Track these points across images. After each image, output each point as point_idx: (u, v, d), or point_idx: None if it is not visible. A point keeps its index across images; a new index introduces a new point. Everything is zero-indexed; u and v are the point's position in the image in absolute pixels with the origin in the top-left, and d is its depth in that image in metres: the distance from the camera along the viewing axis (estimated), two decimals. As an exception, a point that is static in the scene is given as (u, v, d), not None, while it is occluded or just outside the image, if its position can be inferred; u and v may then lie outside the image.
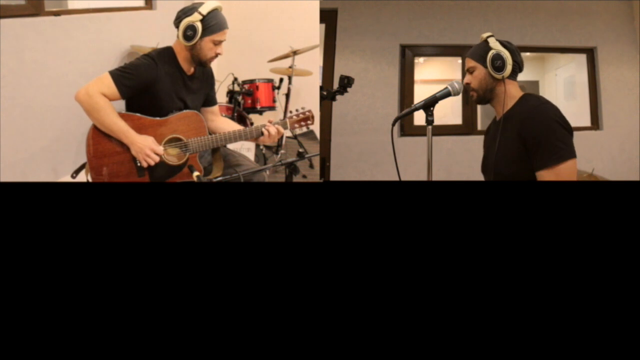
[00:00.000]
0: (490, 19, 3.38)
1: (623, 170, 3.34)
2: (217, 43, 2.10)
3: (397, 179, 1.73)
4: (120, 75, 1.99)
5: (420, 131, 3.28)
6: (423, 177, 1.68)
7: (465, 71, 1.83)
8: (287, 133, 3.76)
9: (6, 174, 2.50)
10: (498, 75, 1.73)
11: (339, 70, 3.30)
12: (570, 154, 1.59)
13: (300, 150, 3.63)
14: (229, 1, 2.36)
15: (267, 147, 3.82)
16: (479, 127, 3.50)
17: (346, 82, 2.33)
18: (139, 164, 2.05)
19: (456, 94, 1.71)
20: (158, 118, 2.07)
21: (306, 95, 4.09)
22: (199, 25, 2.04)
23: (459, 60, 3.56)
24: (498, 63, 1.72)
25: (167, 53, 2.13)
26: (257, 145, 3.43)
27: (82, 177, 2.12)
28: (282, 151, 3.69)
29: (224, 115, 3.29)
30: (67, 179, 2.22)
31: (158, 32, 3.58)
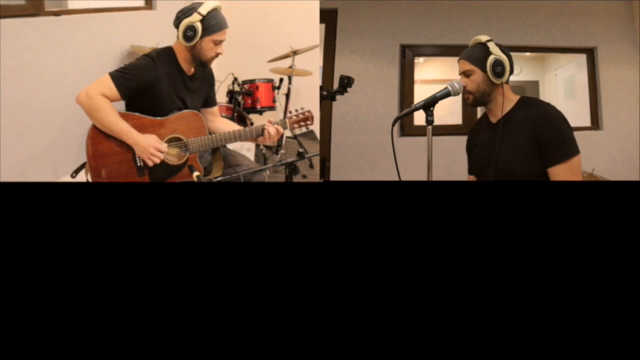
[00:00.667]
0: (490, 19, 3.38)
1: (623, 170, 3.34)
2: (218, 43, 2.10)
3: (397, 179, 1.73)
4: (119, 76, 2.00)
5: (420, 131, 3.28)
6: (423, 177, 1.68)
7: (460, 73, 1.83)
8: (287, 133, 3.78)
9: (6, 174, 2.50)
10: (498, 81, 1.76)
11: (339, 70, 3.30)
12: (577, 148, 1.69)
13: (300, 150, 3.63)
14: (229, 1, 2.36)
15: (267, 147, 3.82)
16: (479, 127, 3.50)
17: (346, 82, 2.33)
18: (139, 164, 2.05)
19: (456, 94, 1.71)
20: (158, 118, 2.07)
21: (306, 95, 4.09)
22: (198, 26, 2.04)
23: (459, 60, 3.55)
24: (499, 69, 1.75)
25: (167, 53, 2.13)
26: (257, 145, 3.44)
27: (82, 176, 2.12)
28: (282, 151, 3.69)
29: (223, 115, 3.30)
30: (67, 179, 2.22)
31: (158, 32, 3.57)
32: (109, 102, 1.98)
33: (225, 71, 3.55)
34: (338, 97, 2.39)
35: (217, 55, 2.13)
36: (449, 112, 3.56)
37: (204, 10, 2.05)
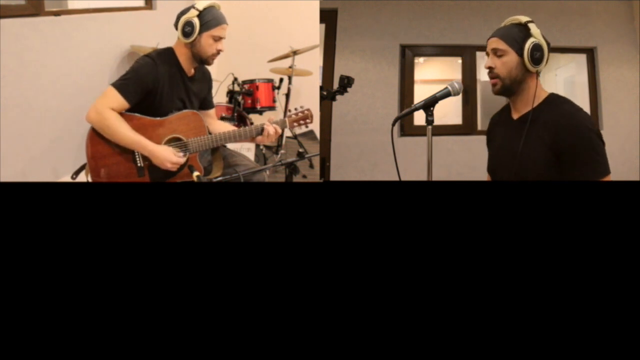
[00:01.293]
0: (491, 19, 3.38)
1: (623, 170, 3.34)
2: (217, 39, 2.10)
3: (397, 179, 1.72)
4: (123, 85, 2.00)
5: (420, 131, 3.28)
6: (423, 177, 1.68)
7: (489, 52, 1.64)
8: (287, 133, 3.79)
9: (6, 174, 2.50)
10: (534, 69, 1.56)
11: (339, 70, 3.30)
12: (607, 169, 1.49)
13: (300, 150, 3.63)
14: (229, 1, 2.36)
15: (267, 147, 3.82)
16: (479, 127, 3.50)
17: (346, 82, 2.33)
18: (139, 164, 2.05)
19: (456, 94, 1.66)
20: (158, 118, 2.07)
21: (306, 95, 4.09)
22: (196, 21, 2.05)
23: (459, 60, 3.56)
24: (537, 55, 1.54)
25: (167, 53, 2.13)
26: (257, 145, 3.44)
27: (82, 178, 2.12)
28: (282, 151, 3.69)
29: (223, 115, 3.30)
30: (67, 179, 2.22)
31: (158, 32, 3.58)
32: (118, 116, 1.98)
33: (225, 71, 3.55)
34: (338, 97, 2.39)
35: (218, 52, 2.13)
36: (449, 112, 3.56)
37: (200, 5, 2.07)
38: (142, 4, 3.77)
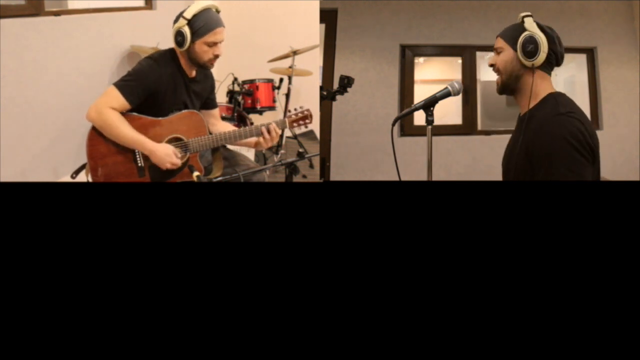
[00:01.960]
0: (491, 19, 3.38)
1: (623, 170, 3.34)
2: (211, 44, 2.07)
3: (397, 179, 1.72)
4: (125, 85, 1.99)
5: (420, 131, 3.28)
6: (423, 177, 1.68)
7: (493, 50, 1.63)
8: (287, 133, 3.79)
9: (6, 174, 2.50)
10: (527, 63, 1.51)
11: (339, 70, 3.30)
12: (578, 178, 1.35)
13: (300, 150, 3.61)
14: (229, 1, 2.38)
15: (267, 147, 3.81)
16: (479, 127, 3.50)
17: (346, 82, 2.33)
18: (139, 164, 2.05)
19: (456, 94, 1.66)
20: (158, 118, 2.07)
21: (306, 95, 4.09)
22: (186, 30, 2.02)
23: (459, 60, 3.56)
24: (530, 47, 1.50)
25: (168, 54, 2.13)
26: (258, 144, 3.44)
27: (82, 177, 2.12)
28: (282, 151, 3.70)
29: (223, 115, 3.30)
30: (68, 179, 2.22)
31: (158, 32, 3.57)
32: (118, 115, 1.97)
33: (225, 71, 3.55)
34: (338, 97, 2.39)
35: (215, 57, 2.10)
36: (449, 112, 3.56)
37: (188, 14, 2.01)
38: (142, 4, 3.77)
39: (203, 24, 2.03)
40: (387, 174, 3.23)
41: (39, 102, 2.72)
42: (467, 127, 3.49)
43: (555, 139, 1.37)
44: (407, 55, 3.48)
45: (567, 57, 3.82)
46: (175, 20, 2.07)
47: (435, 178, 1.66)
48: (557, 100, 1.50)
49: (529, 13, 1.56)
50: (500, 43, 1.60)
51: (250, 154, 3.27)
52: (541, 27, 1.54)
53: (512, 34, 1.57)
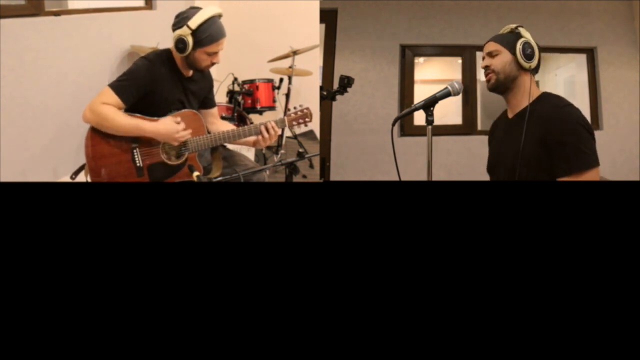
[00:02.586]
0: (490, 19, 3.38)
1: (623, 170, 3.34)
2: (211, 54, 2.07)
3: (397, 179, 1.72)
4: (119, 85, 1.99)
5: (420, 131, 3.28)
6: (423, 177, 1.68)
7: (485, 55, 1.73)
8: (287, 133, 3.79)
9: (6, 174, 2.50)
10: (526, 64, 1.65)
11: (339, 70, 3.30)
12: (595, 161, 1.53)
13: (300, 150, 3.61)
14: (229, 1, 2.38)
15: (267, 147, 3.81)
16: (479, 127, 3.50)
17: (346, 82, 2.33)
18: (138, 164, 2.05)
19: (456, 94, 1.67)
20: (156, 118, 2.07)
21: (306, 95, 4.09)
22: (189, 39, 2.01)
23: (459, 60, 3.56)
24: (529, 51, 1.65)
25: (165, 55, 2.13)
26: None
27: (82, 178, 2.12)
28: (282, 151, 3.70)
29: (223, 115, 3.30)
30: (67, 179, 2.22)
31: (158, 32, 3.57)
32: (112, 107, 1.96)
33: (225, 71, 3.55)
34: (338, 97, 2.38)
35: (212, 64, 2.10)
36: (449, 112, 3.56)
37: (193, 24, 1.99)
38: (142, 4, 3.77)
39: (207, 34, 2.02)
40: (387, 174, 3.22)
41: (39, 102, 2.72)
42: (467, 127, 3.49)
43: (572, 125, 1.55)
44: (407, 55, 3.48)
45: (567, 57, 3.85)
46: (176, 25, 2.05)
47: (435, 178, 1.66)
48: (555, 96, 1.68)
49: (520, 24, 1.73)
50: (494, 47, 1.71)
51: (250, 153, 3.27)
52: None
53: (507, 39, 1.70)
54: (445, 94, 1.65)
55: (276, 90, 3.73)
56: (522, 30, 1.70)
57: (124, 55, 3.39)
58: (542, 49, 1.74)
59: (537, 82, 1.82)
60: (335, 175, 3.31)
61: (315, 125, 2.47)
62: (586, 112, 3.54)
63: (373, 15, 3.41)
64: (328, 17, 3.38)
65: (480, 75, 3.53)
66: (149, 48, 3.31)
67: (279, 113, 3.86)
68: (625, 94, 3.46)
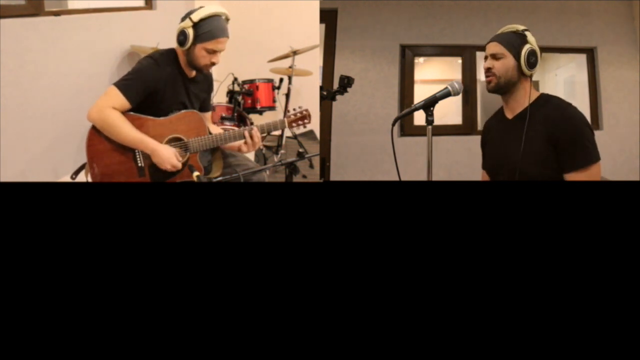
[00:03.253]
0: (490, 19, 3.38)
1: (623, 170, 3.34)
2: (210, 52, 2.07)
3: (397, 179, 1.73)
4: (125, 85, 1.99)
5: (420, 131, 3.28)
6: (423, 177, 1.68)
7: (488, 55, 1.76)
8: (287, 133, 3.79)
9: (6, 174, 2.50)
10: (528, 72, 1.71)
11: (339, 70, 3.30)
12: (597, 155, 1.63)
13: (300, 150, 3.61)
14: (229, 1, 2.38)
15: (267, 147, 3.82)
16: (479, 127, 3.50)
17: (346, 82, 2.33)
18: (139, 164, 2.05)
19: (456, 94, 1.67)
20: (159, 118, 2.07)
21: (306, 95, 4.09)
22: (190, 32, 2.02)
23: (459, 60, 3.55)
24: (532, 59, 1.70)
25: (169, 54, 2.13)
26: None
27: (82, 178, 2.12)
28: (282, 151, 3.70)
29: (223, 115, 3.31)
30: (68, 179, 2.22)
31: (158, 32, 3.58)
32: (119, 115, 1.97)
33: (225, 71, 3.55)
34: (338, 97, 2.38)
35: (211, 64, 2.10)
36: (449, 112, 3.56)
37: (196, 16, 2.02)
38: (142, 4, 3.77)
39: (208, 30, 2.03)
40: (387, 174, 3.22)
41: (39, 102, 2.72)
42: (467, 127, 3.49)
43: (578, 122, 1.63)
44: (407, 55, 3.48)
45: (567, 57, 3.85)
46: (183, 19, 2.06)
47: (435, 178, 1.66)
48: (554, 97, 1.74)
49: (527, 27, 1.73)
50: (498, 49, 1.72)
51: (250, 154, 3.27)
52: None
53: (512, 42, 1.71)
54: (445, 94, 1.65)
55: (276, 90, 3.73)
56: (528, 35, 1.72)
57: (124, 55, 3.39)
58: (542, 49, 1.76)
59: (537, 83, 1.84)
60: (335, 175, 3.31)
61: (315, 125, 2.47)
62: (586, 112, 3.54)
63: (373, 15, 3.41)
64: (328, 17, 3.38)
65: (480, 75, 3.53)
66: (149, 48, 3.31)
67: (279, 113, 3.86)
68: (625, 94, 3.46)
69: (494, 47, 1.73)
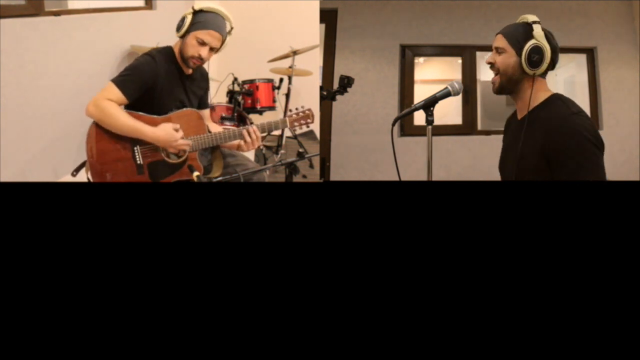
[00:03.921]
0: (490, 19, 3.38)
1: (623, 170, 3.34)
2: (200, 42, 2.07)
3: (397, 179, 1.72)
4: (122, 80, 2.00)
5: (420, 131, 3.28)
6: (423, 177, 1.68)
7: (493, 48, 1.62)
8: (287, 133, 3.79)
9: (6, 174, 2.50)
10: (530, 71, 1.54)
11: (339, 70, 3.30)
12: (597, 176, 1.41)
13: (300, 150, 3.61)
14: (229, 1, 2.37)
15: (267, 147, 3.82)
16: (479, 127, 3.50)
17: (346, 82, 2.33)
18: (138, 162, 2.05)
19: (456, 94, 1.65)
20: (157, 116, 2.07)
21: (306, 95, 4.09)
22: (188, 19, 2.07)
23: (459, 60, 3.56)
24: (535, 57, 1.52)
25: (166, 52, 2.14)
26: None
27: (82, 175, 2.12)
28: (282, 151, 3.70)
29: (223, 115, 3.30)
30: (68, 178, 2.22)
31: (158, 32, 3.57)
32: (116, 105, 1.98)
33: (225, 71, 3.55)
34: (338, 97, 2.39)
35: (199, 57, 2.08)
36: (449, 112, 3.56)
37: (197, 6, 2.07)
38: (142, 4, 3.77)
39: (203, 20, 2.07)
40: (387, 174, 3.22)
41: (38, 102, 2.72)
42: (467, 127, 3.49)
43: (575, 137, 1.43)
44: (407, 55, 3.48)
45: (567, 57, 3.85)
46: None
47: (435, 178, 1.66)
48: (564, 102, 1.54)
49: (537, 19, 1.56)
50: (502, 43, 1.60)
51: (250, 154, 3.27)
52: (546, 36, 1.55)
53: (517, 37, 1.57)
54: (445, 94, 1.64)
55: (276, 90, 3.73)
56: (536, 28, 1.54)
57: (124, 55, 3.39)
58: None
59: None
60: (335, 175, 3.31)
61: (315, 125, 2.46)
62: (586, 112, 3.53)
63: (373, 15, 3.41)
64: (328, 17, 3.38)
65: (481, 75, 3.54)
66: (149, 48, 3.29)
67: (279, 113, 3.85)
68: (625, 94, 3.46)
69: (498, 40, 1.61)
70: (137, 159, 2.05)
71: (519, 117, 1.65)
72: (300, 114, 2.19)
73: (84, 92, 2.87)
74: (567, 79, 3.80)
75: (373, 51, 3.40)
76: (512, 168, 1.59)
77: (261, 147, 3.60)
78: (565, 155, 1.43)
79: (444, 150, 3.37)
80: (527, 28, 1.57)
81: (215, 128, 2.33)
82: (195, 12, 2.07)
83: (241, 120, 3.47)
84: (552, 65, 1.59)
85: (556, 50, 1.57)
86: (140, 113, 2.04)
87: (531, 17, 1.58)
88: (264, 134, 2.18)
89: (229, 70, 3.54)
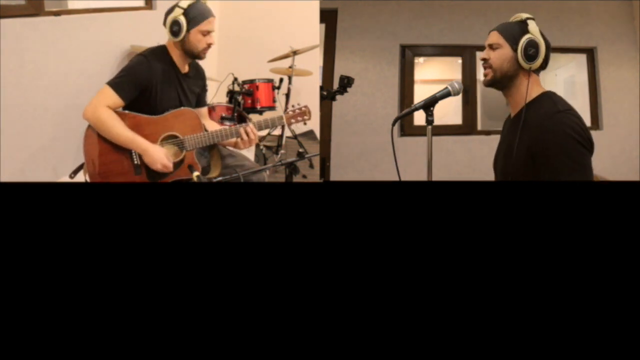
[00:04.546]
0: (490, 19, 3.38)
1: (623, 170, 3.34)
2: (205, 33, 2.10)
3: (397, 179, 1.72)
4: (117, 83, 2.02)
5: (420, 131, 3.28)
6: (423, 177, 1.68)
7: (486, 45, 1.62)
8: (287, 133, 3.79)
9: (6, 174, 2.50)
10: (527, 65, 1.53)
11: (339, 70, 3.30)
12: (583, 175, 1.39)
13: (300, 150, 3.63)
14: (229, 1, 2.38)
15: (267, 147, 3.82)
16: (479, 127, 3.50)
17: (346, 82, 2.33)
18: (135, 162, 2.05)
19: (456, 94, 1.65)
20: (154, 116, 2.07)
21: (306, 95, 4.09)
22: (182, 19, 2.06)
23: (459, 60, 3.56)
24: (532, 51, 1.52)
25: (160, 51, 2.14)
26: (257, 145, 3.44)
27: (80, 176, 2.12)
28: (282, 151, 3.69)
29: (223, 115, 3.30)
30: (67, 179, 2.22)
31: (158, 32, 3.55)
32: (113, 114, 1.99)
33: (225, 71, 3.54)
34: (338, 97, 2.39)
35: (208, 46, 2.13)
36: (449, 112, 3.56)
37: (184, 3, 2.07)
38: (142, 4, 3.77)
39: (198, 12, 2.08)
40: (387, 174, 3.22)
41: (38, 102, 2.72)
42: (467, 127, 3.49)
43: (559, 135, 1.41)
44: (407, 55, 3.48)
45: (567, 57, 3.85)
46: (168, 13, 2.10)
47: (435, 178, 1.66)
48: (553, 100, 1.54)
49: (531, 16, 1.58)
50: (496, 39, 1.60)
51: (250, 154, 3.27)
52: (541, 33, 1.56)
53: (512, 32, 1.58)
54: (445, 94, 1.64)
55: (276, 90, 3.73)
56: (531, 24, 1.55)
57: (124, 55, 3.39)
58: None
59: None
60: (335, 175, 3.31)
61: (315, 125, 2.47)
62: (586, 112, 3.54)
63: (373, 15, 3.41)
64: (328, 17, 3.38)
65: (480, 75, 3.53)
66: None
67: (279, 113, 3.84)
68: (625, 94, 3.46)
69: (492, 37, 1.61)
70: (135, 159, 2.05)
71: (512, 114, 1.65)
72: (297, 110, 2.19)
73: (84, 92, 2.87)
74: (567, 79, 3.80)
75: (373, 51, 3.40)
76: (502, 165, 1.60)
77: (261, 147, 3.60)
78: (548, 153, 1.42)
79: (444, 150, 3.37)
80: (522, 24, 1.58)
81: (213, 126, 2.32)
82: (186, 10, 2.07)
83: (241, 120, 3.47)
84: (546, 63, 1.58)
85: (549, 47, 1.57)
86: (136, 113, 2.05)
87: (525, 15, 1.59)
88: (262, 132, 2.18)
89: (229, 70, 3.54)
